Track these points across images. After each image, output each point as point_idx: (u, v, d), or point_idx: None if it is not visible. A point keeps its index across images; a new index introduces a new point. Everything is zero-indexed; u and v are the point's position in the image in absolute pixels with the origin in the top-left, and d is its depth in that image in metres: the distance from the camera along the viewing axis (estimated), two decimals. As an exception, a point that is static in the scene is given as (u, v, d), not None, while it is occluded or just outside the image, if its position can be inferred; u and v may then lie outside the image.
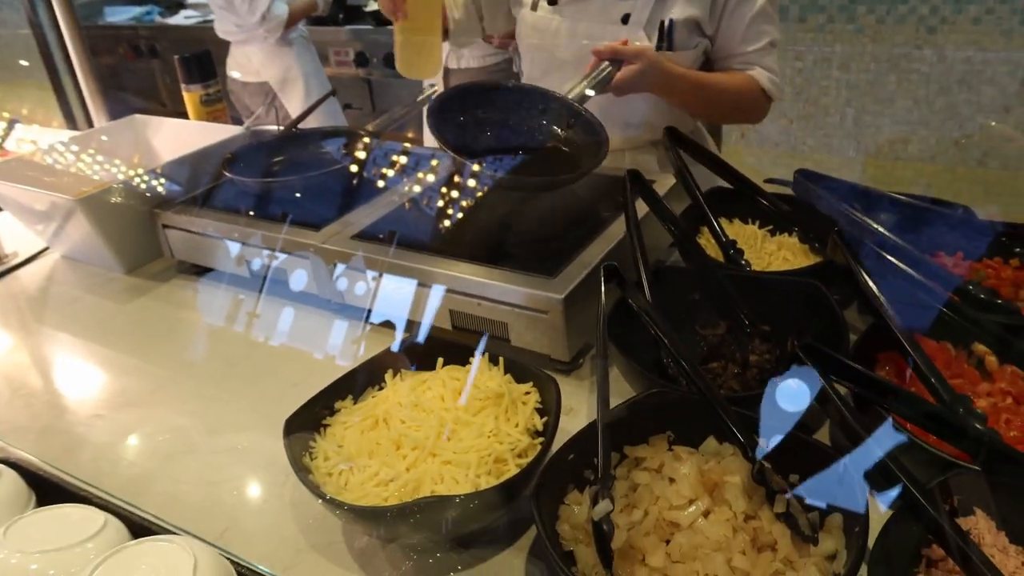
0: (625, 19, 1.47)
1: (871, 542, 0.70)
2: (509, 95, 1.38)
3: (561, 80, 1.45)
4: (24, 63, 4.49)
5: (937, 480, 0.72)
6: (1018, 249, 1.10)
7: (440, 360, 0.97)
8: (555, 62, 1.57)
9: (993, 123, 2.19)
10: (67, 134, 2.23)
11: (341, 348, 1.22)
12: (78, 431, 1.12)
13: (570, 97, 1.32)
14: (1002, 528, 0.72)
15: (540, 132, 1.37)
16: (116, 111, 2.18)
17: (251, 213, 1.39)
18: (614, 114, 1.49)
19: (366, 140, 1.54)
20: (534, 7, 1.57)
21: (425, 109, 1.35)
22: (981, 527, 0.71)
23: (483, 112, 1.37)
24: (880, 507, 0.77)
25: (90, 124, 4.15)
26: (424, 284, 1.15)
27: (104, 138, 1.80)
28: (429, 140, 1.89)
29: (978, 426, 0.78)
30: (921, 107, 2.26)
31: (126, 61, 4.29)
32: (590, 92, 1.31)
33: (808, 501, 0.75)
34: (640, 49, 1.33)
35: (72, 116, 4.49)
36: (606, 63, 1.32)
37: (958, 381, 0.88)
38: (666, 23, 1.43)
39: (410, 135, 2.12)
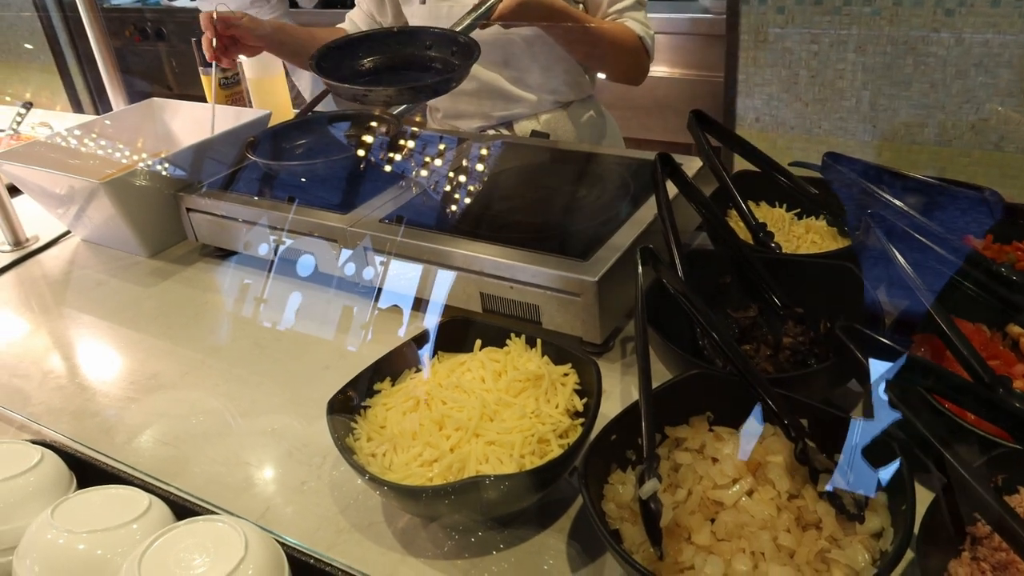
0: None
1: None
2: (395, 39, 1.52)
3: None
4: (29, 46, 4.48)
5: (982, 459, 0.73)
6: (1048, 232, 1.11)
7: (478, 342, 0.97)
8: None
9: (1002, 108, 2.19)
10: (80, 118, 2.23)
11: (371, 331, 1.23)
12: (111, 413, 1.13)
13: (457, 30, 1.43)
14: (1045, 507, 0.73)
15: (425, 61, 1.49)
16: (124, 95, 2.18)
17: (276, 196, 1.39)
18: (525, 81, 1.72)
19: (390, 123, 1.54)
20: (423, 0, 1.71)
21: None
22: (1026, 505, 0.72)
23: (371, 59, 1.51)
24: (921, 485, 0.78)
25: (97, 108, 4.16)
26: (454, 267, 1.16)
27: (122, 121, 1.79)
28: (432, 124, 1.94)
29: (1020, 405, 0.79)
30: (938, 90, 2.25)
31: (132, 44, 4.27)
32: (473, 27, 1.43)
33: (852, 480, 0.75)
34: None
35: (78, 100, 4.49)
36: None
37: (994, 362, 0.89)
38: None
39: (417, 119, 2.12)
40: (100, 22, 1.99)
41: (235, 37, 1.65)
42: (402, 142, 1.51)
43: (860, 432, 0.78)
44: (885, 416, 0.78)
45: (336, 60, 1.47)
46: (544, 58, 1.71)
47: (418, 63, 1.49)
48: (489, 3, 1.44)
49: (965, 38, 2.15)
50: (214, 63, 1.66)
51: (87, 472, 0.90)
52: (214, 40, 1.63)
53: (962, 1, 2.11)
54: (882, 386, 0.77)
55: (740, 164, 1.37)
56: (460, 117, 1.84)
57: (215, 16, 1.61)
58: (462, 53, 1.45)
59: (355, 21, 1.89)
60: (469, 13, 1.45)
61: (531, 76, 1.74)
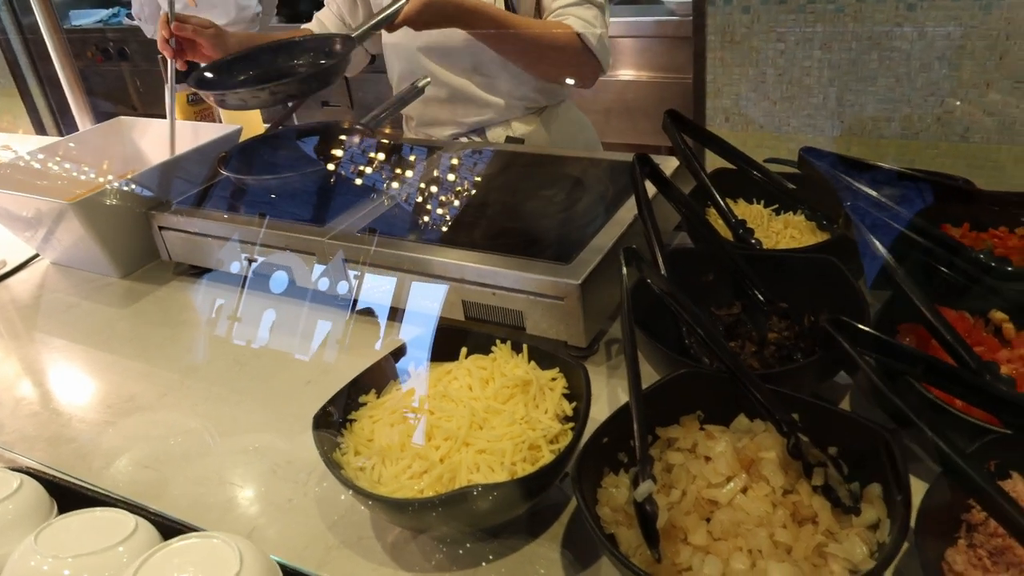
0: None
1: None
2: (271, 51, 1.56)
3: (421, 71, 1.68)
4: (-14, 70, 4.39)
5: (975, 445, 0.73)
6: (1023, 218, 1.12)
7: (464, 350, 0.96)
8: (411, 58, 1.72)
9: (966, 99, 2.22)
10: (44, 140, 2.19)
11: (353, 344, 1.21)
12: (88, 439, 1.10)
13: (355, 35, 1.43)
14: (1038, 490, 0.73)
15: (303, 67, 1.52)
16: (90, 115, 2.14)
17: (249, 212, 1.37)
18: (495, 87, 1.71)
19: (362, 134, 1.52)
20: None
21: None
22: (1019, 490, 0.72)
23: (248, 70, 1.54)
24: (915, 476, 0.78)
25: (60, 130, 4.09)
26: (436, 276, 1.15)
27: (89, 142, 1.76)
28: (407, 132, 1.93)
29: (1008, 390, 0.79)
30: (903, 84, 2.28)
31: (95, 64, 4.22)
32: (376, 28, 1.42)
33: (846, 472, 0.75)
34: None
35: (41, 122, 4.41)
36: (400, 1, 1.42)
37: (979, 349, 0.89)
38: None
39: (389, 130, 2.12)
40: (64, 43, 1.95)
41: (193, 41, 1.63)
42: (376, 153, 1.49)
43: (852, 424, 0.78)
44: (871, 405, 0.78)
45: (218, 74, 1.51)
46: (512, 64, 1.70)
47: (287, 72, 1.52)
48: (396, 6, 1.41)
49: (927, 32, 2.18)
50: (170, 81, 1.64)
51: (67, 498, 0.88)
52: (170, 39, 1.61)
53: (924, -4, 2.14)
54: (870, 376, 0.77)
55: (714, 163, 1.38)
56: (433, 125, 1.83)
57: (170, 15, 1.59)
58: (333, 54, 1.46)
59: (323, 21, 1.87)
60: (371, 17, 1.44)
61: (501, 82, 1.73)
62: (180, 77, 1.85)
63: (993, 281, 0.96)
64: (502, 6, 1.60)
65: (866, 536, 0.71)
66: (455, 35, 1.58)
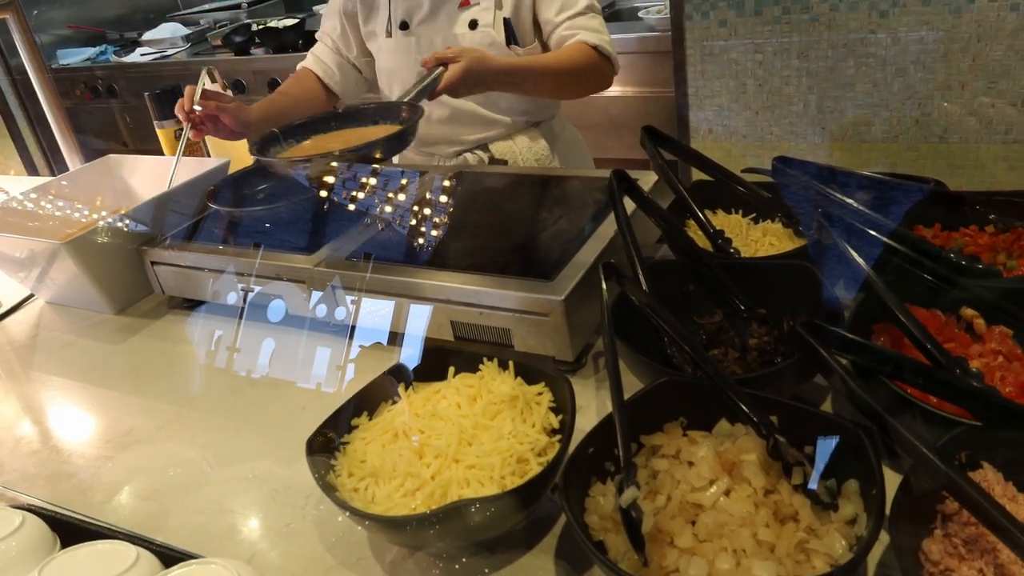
0: (473, 25, 1.58)
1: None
2: (338, 118, 1.60)
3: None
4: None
5: (945, 438, 0.76)
6: (992, 216, 1.15)
7: (451, 369, 0.98)
8: (409, 84, 1.69)
9: (942, 101, 2.26)
10: (35, 180, 2.22)
11: (345, 368, 1.23)
12: (88, 474, 1.12)
13: (405, 101, 1.48)
14: (1009, 479, 0.76)
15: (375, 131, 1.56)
16: (79, 154, 2.17)
17: (241, 243, 1.40)
18: (497, 104, 1.73)
19: (350, 161, 1.55)
20: (388, 34, 1.73)
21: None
22: (990, 479, 0.74)
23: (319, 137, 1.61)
24: (891, 470, 0.81)
25: (52, 169, 4.12)
26: (424, 298, 1.17)
27: (79, 180, 1.79)
28: (407, 153, 1.95)
29: (976, 384, 0.82)
30: (880, 89, 2.32)
31: (84, 103, 4.26)
32: (420, 97, 1.46)
33: (823, 470, 0.77)
34: (461, 48, 1.47)
35: (32, 162, 4.45)
36: (437, 69, 1.45)
37: (951, 345, 0.92)
38: (503, 20, 1.58)
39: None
40: (51, 83, 1.99)
41: (216, 117, 1.65)
42: (363, 179, 1.52)
43: (828, 423, 0.80)
44: (850, 405, 0.81)
45: (284, 143, 1.57)
46: (518, 100, 1.72)
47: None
48: (434, 74, 1.46)
49: (901, 37, 2.23)
50: (179, 152, 1.66)
51: (69, 533, 0.89)
52: (190, 107, 1.62)
53: (895, 2, 2.19)
54: (843, 376, 0.79)
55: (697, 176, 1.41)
56: (435, 144, 1.85)
57: (198, 91, 1.63)
58: (409, 114, 1.50)
59: (320, 57, 1.89)
60: (415, 86, 1.47)
61: (502, 99, 1.75)
62: (166, 114, 1.89)
63: (963, 279, 0.98)
64: (502, 36, 1.64)
65: (845, 531, 0.73)
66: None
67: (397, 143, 1.50)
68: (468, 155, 1.81)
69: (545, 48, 1.71)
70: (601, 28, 1.64)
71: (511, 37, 1.65)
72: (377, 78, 1.88)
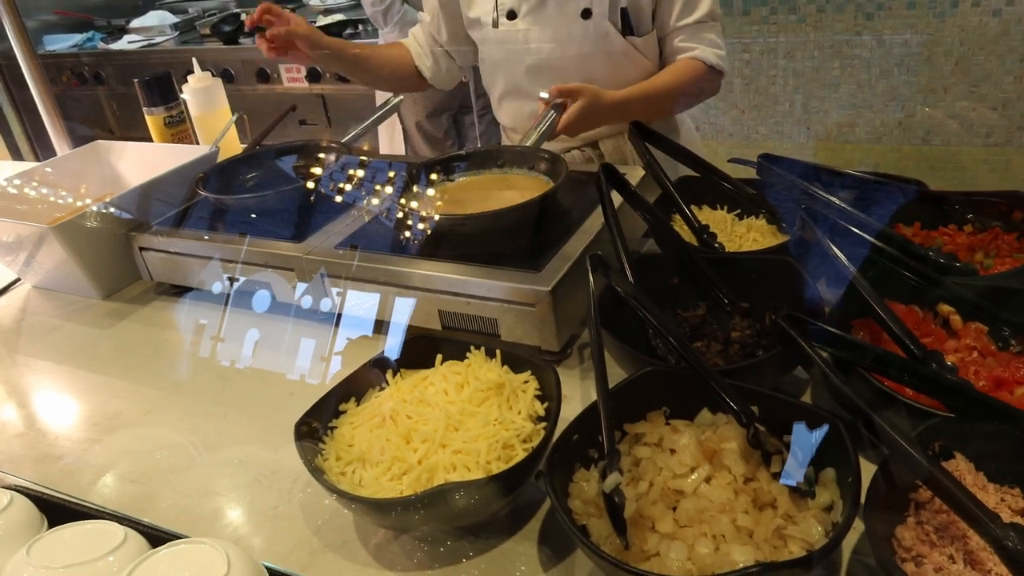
0: (586, 13, 1.52)
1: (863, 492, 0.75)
2: (469, 159, 1.48)
3: (520, 100, 1.63)
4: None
5: (919, 428, 0.78)
6: (970, 216, 1.17)
7: (439, 357, 1.00)
8: (517, 77, 1.65)
9: (925, 104, 2.30)
10: (21, 165, 2.21)
11: (334, 355, 1.24)
12: (75, 456, 1.13)
13: (528, 144, 1.40)
14: (980, 469, 0.78)
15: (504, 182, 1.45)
16: (67, 140, 2.16)
17: (229, 230, 1.40)
18: None
19: (340, 152, 1.56)
20: (495, 24, 1.62)
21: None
22: (962, 468, 0.77)
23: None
24: (867, 459, 0.83)
25: (37, 155, 4.09)
26: (412, 287, 1.18)
27: (67, 166, 1.78)
28: (384, 149, 1.92)
29: (951, 377, 0.84)
30: (864, 91, 2.35)
31: (71, 89, 4.23)
32: (541, 142, 1.40)
33: (801, 459, 0.79)
34: (579, 86, 1.40)
35: (17, 148, 4.41)
36: (551, 111, 1.40)
37: (927, 340, 0.94)
38: (619, 10, 1.50)
39: (366, 147, 2.15)
40: (39, 69, 1.98)
41: (290, 38, 1.60)
42: (352, 170, 1.53)
43: (807, 414, 0.82)
44: (829, 396, 0.83)
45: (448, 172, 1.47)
46: (621, 74, 1.61)
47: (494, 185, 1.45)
48: (551, 115, 1.41)
49: (886, 39, 2.26)
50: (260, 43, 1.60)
51: (56, 513, 0.90)
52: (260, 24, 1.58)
53: (880, 5, 2.22)
54: (822, 368, 0.81)
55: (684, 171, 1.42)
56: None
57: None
58: (546, 162, 1.40)
59: (416, 38, 1.81)
60: (535, 128, 1.41)
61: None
62: (155, 100, 1.89)
63: (941, 276, 1.01)
64: (619, 26, 1.56)
65: (821, 517, 0.75)
66: (564, 55, 1.56)
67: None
68: (576, 152, 1.73)
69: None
70: (718, 41, 1.58)
71: (627, 27, 1.56)
72: (480, 69, 1.78)
